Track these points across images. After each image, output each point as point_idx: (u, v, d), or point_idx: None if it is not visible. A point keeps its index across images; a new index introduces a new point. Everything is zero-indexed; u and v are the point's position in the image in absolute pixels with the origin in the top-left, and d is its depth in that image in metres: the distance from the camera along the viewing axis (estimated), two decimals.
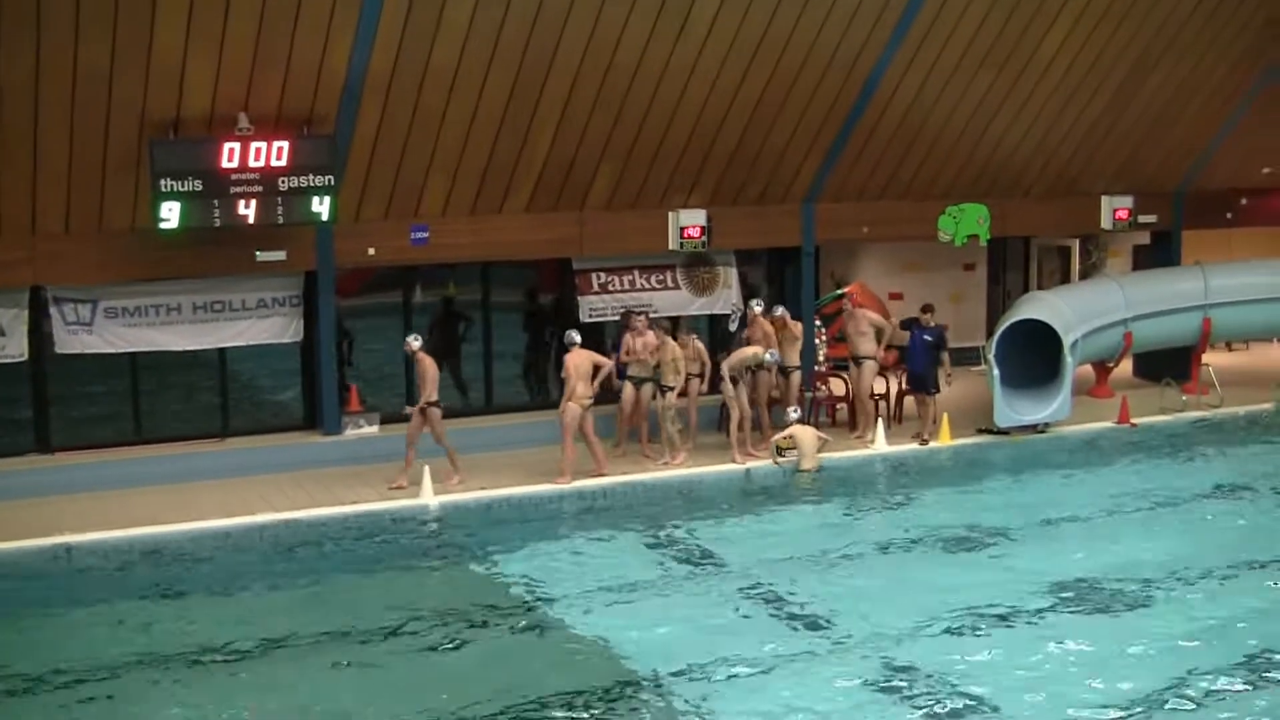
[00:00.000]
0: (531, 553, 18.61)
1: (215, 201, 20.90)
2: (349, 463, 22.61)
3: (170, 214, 20.68)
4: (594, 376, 21.80)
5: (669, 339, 22.62)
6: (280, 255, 22.60)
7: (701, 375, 23.22)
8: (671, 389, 22.44)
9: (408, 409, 21.82)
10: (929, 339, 24.07)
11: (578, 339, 22.08)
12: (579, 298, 25.24)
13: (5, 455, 22.26)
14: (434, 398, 21.28)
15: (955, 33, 24.43)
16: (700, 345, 23.25)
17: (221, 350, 23.44)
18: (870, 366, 24.26)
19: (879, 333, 24.22)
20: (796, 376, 23.87)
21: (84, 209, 21.34)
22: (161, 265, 22.12)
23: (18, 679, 14.57)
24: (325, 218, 21.61)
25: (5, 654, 15.21)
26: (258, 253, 22.40)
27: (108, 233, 21.67)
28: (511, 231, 23.99)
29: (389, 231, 23.30)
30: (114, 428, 23.08)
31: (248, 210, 21.11)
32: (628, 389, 23.09)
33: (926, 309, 24.46)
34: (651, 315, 23.89)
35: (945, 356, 24.16)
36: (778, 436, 22.70)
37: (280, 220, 21.42)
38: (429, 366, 21.28)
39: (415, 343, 21.43)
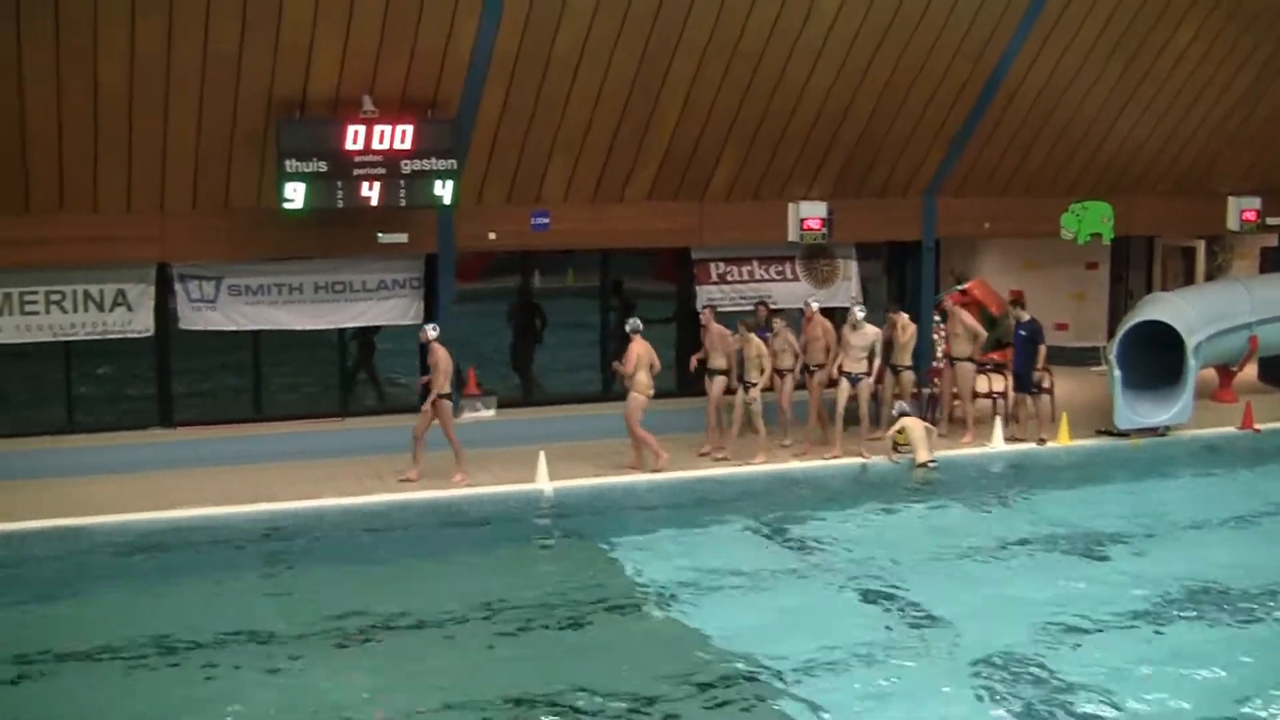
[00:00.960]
0: (644, 539, 18.65)
1: (339, 183, 21.09)
2: (465, 446, 22.13)
3: (295, 195, 20.91)
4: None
5: (752, 335, 22.13)
6: (402, 238, 22.72)
7: (794, 369, 22.86)
8: (754, 384, 22.10)
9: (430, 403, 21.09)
10: (1023, 334, 23.65)
11: (640, 326, 21.82)
12: (697, 287, 25.12)
13: (129, 429, 22.61)
14: (446, 390, 20.86)
15: (1086, 21, 24.11)
16: (791, 337, 22.81)
17: (341, 331, 23.64)
18: (965, 368, 23.83)
19: (976, 335, 23.82)
20: (907, 376, 23.51)
21: (210, 188, 21.60)
22: (284, 245, 22.33)
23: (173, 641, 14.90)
24: (447, 201, 21.72)
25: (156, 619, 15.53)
26: (380, 235, 22.57)
27: (233, 211, 21.93)
28: (632, 219, 23.95)
29: (510, 216, 23.37)
30: (235, 404, 23.34)
31: (371, 192, 21.27)
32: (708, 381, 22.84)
33: (1016, 299, 24.03)
34: (770, 305, 23.92)
35: (1041, 351, 23.67)
36: (891, 431, 22.51)
37: (403, 203, 21.57)
38: (443, 357, 20.84)
39: (433, 332, 21.04)
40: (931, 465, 22.05)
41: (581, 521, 19.62)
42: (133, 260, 21.94)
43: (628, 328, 21.78)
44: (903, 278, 26.60)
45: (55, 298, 21.83)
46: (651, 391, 21.56)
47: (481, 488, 20.71)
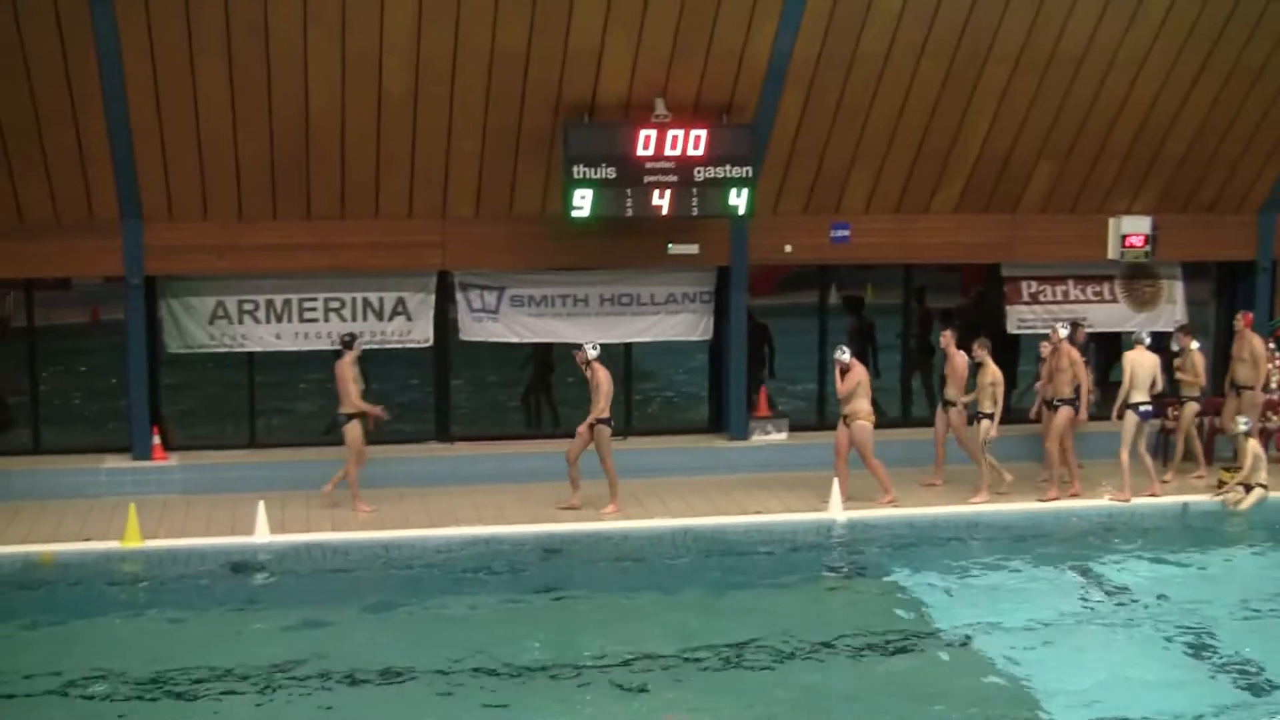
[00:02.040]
0: (942, 576, 18.53)
1: (628, 190, 21.25)
2: (755, 470, 22.67)
3: (583, 202, 21.13)
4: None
5: (989, 359, 21.51)
6: (693, 249, 22.82)
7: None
8: (989, 416, 21.39)
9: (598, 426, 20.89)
10: None
11: (848, 354, 21.26)
12: (1007, 307, 24.69)
13: (406, 442, 22.99)
14: (606, 414, 20.59)
15: None
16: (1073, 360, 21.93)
17: (627, 346, 23.75)
18: (1247, 396, 22.92)
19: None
20: (1190, 407, 22.80)
21: (494, 193, 21.96)
22: (570, 254, 22.56)
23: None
24: (742, 211, 21.72)
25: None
26: (670, 245, 22.69)
27: (517, 218, 22.27)
28: (938, 232, 23.67)
29: (807, 228, 23.24)
30: (510, 419, 23.70)
31: (661, 201, 21.37)
32: (939, 411, 22.31)
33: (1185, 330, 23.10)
34: (1086, 326, 23.38)
35: None
36: (1242, 474, 21.74)
37: (695, 212, 21.64)
38: (604, 380, 20.56)
39: (593, 352, 20.65)
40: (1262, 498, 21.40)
41: (873, 553, 19.60)
42: (414, 267, 22.39)
43: (836, 355, 21.22)
44: (1233, 301, 25.63)
45: (334, 305, 22.45)
46: (873, 419, 21.20)
47: (771, 515, 20.73)
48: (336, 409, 20.73)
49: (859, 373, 21.07)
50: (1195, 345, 22.83)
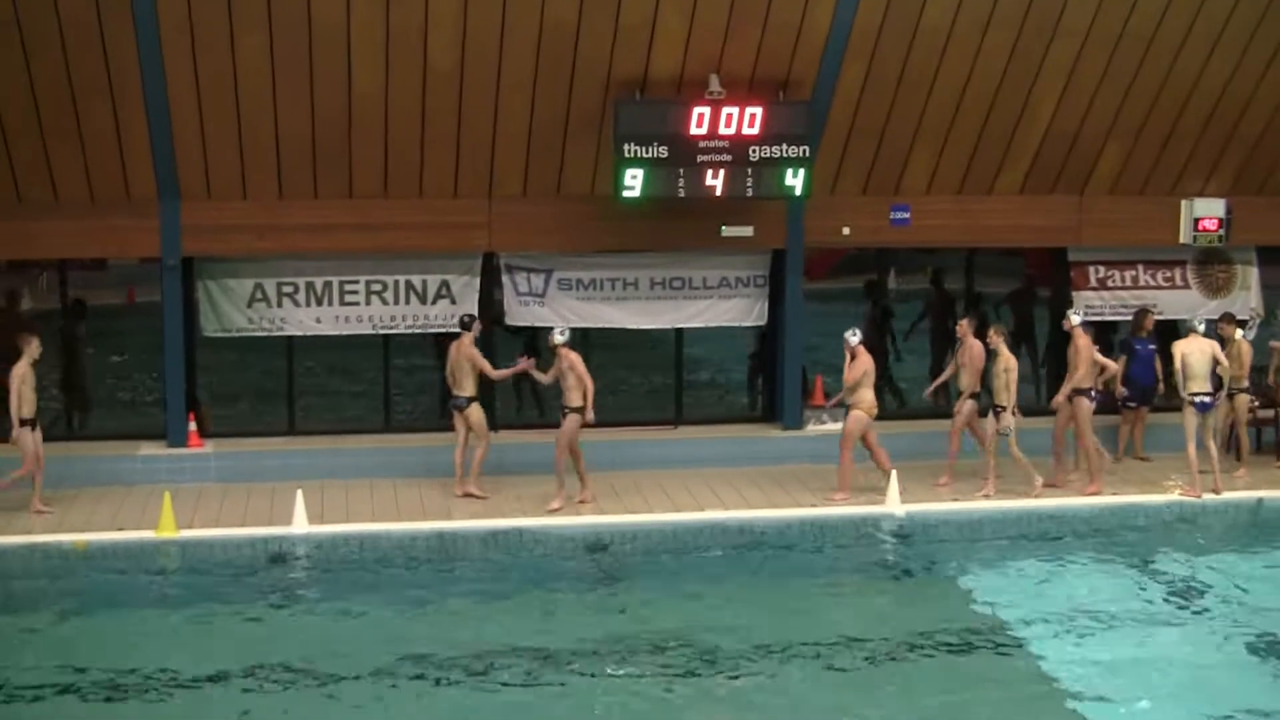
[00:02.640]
0: (1004, 572, 18.55)
1: (680, 170, 21.23)
2: (808, 460, 22.71)
3: (634, 182, 21.12)
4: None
5: (1004, 347, 21.15)
6: (747, 231, 22.82)
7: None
8: (1004, 409, 21.01)
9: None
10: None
11: (858, 337, 21.12)
12: (1074, 293, 24.47)
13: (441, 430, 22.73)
14: (577, 403, 20.35)
15: None
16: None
17: (679, 331, 23.78)
18: None
19: None
20: (1241, 400, 22.71)
21: (542, 172, 22.02)
22: (619, 236, 22.61)
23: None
24: (799, 192, 21.70)
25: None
26: (723, 228, 22.68)
27: (565, 198, 22.33)
28: (1002, 215, 23.62)
29: (866, 209, 23.22)
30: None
31: (715, 181, 21.35)
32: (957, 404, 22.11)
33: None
34: (1155, 313, 23.31)
35: None
36: None
37: (749, 193, 21.61)
38: (576, 364, 20.36)
39: (560, 337, 20.51)
40: None
41: (933, 548, 19.67)
42: (459, 249, 22.48)
43: (846, 339, 21.11)
44: None
45: (376, 288, 22.52)
46: (875, 411, 21.19)
47: (825, 508, 20.77)
48: (454, 393, 21.01)
49: (865, 361, 20.97)
50: (1240, 334, 22.72)
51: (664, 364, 24.23)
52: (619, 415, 23.23)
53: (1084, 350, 21.53)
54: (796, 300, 23.34)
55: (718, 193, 21.46)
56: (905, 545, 19.90)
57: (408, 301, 22.60)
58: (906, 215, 23.36)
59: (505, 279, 22.92)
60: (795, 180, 21.58)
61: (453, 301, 22.67)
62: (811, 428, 23.53)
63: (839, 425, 22.46)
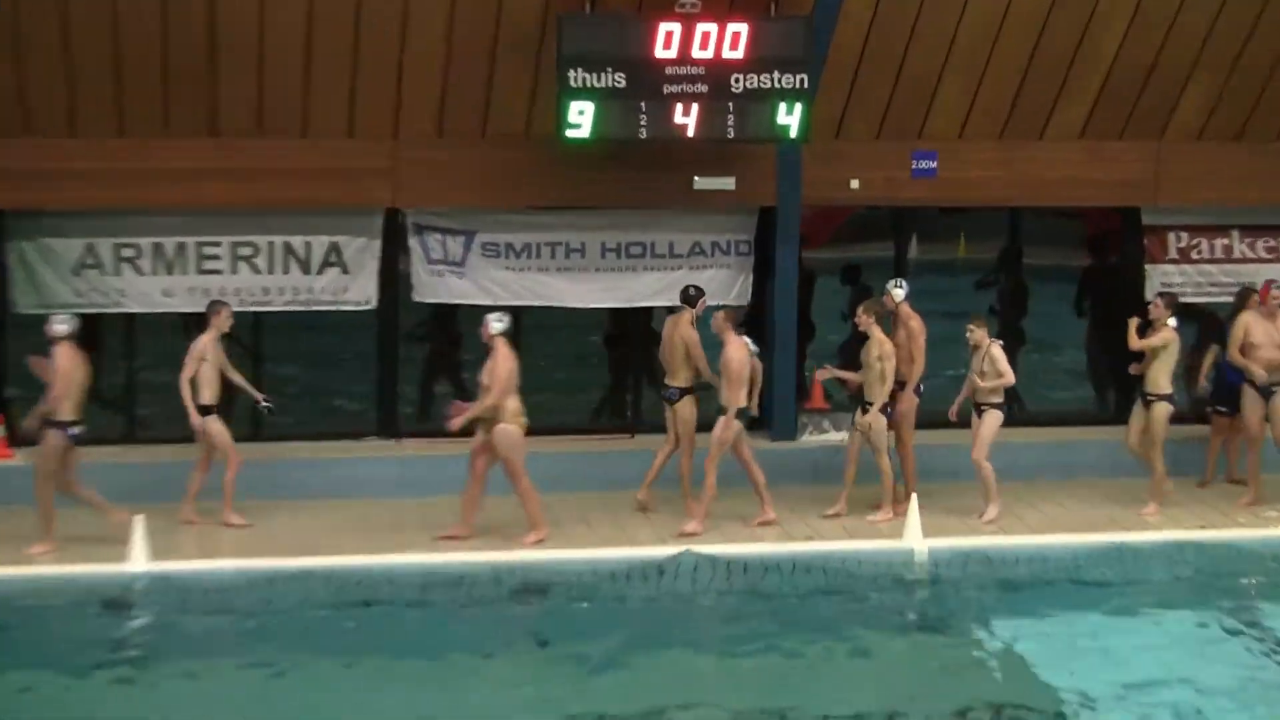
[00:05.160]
0: (1053, 628, 18.48)
1: (642, 104, 21.17)
2: (806, 479, 22.52)
3: (581, 119, 21.00)
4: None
5: (877, 329, 21.15)
6: (727, 183, 22.67)
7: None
8: (870, 405, 21.18)
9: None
10: None
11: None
12: (1147, 266, 24.56)
13: (335, 437, 22.97)
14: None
15: None
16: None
17: (638, 311, 23.84)
18: None
19: None
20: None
21: (462, 106, 21.91)
22: (561, 189, 22.44)
23: None
24: (794, 134, 21.61)
25: None
26: (696, 179, 22.56)
27: (492, 141, 22.21)
28: (1057, 165, 23.61)
29: (881, 158, 23.22)
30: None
31: (687, 119, 21.28)
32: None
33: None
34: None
35: None
36: None
37: (731, 134, 21.58)
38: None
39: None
40: None
41: (962, 595, 19.79)
42: (354, 203, 22.36)
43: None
44: None
45: (245, 252, 22.38)
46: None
47: (827, 542, 20.75)
48: (665, 382, 21.31)
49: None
50: None
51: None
52: (561, 420, 23.52)
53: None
54: (790, 273, 23.28)
55: (690, 134, 21.42)
56: (928, 590, 20.02)
57: (286, 270, 22.52)
58: (933, 165, 23.38)
59: (413, 243, 22.80)
60: (790, 118, 21.50)
61: (344, 270, 22.60)
62: (809, 438, 23.41)
63: (843, 435, 22.57)
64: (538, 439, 20.80)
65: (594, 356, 25.22)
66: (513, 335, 20.69)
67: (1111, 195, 24.22)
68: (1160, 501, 21.75)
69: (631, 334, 24.18)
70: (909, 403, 21.60)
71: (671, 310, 21.68)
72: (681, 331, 21.00)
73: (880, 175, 23.27)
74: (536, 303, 23.19)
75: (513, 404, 19.96)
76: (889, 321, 21.55)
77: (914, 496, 20.82)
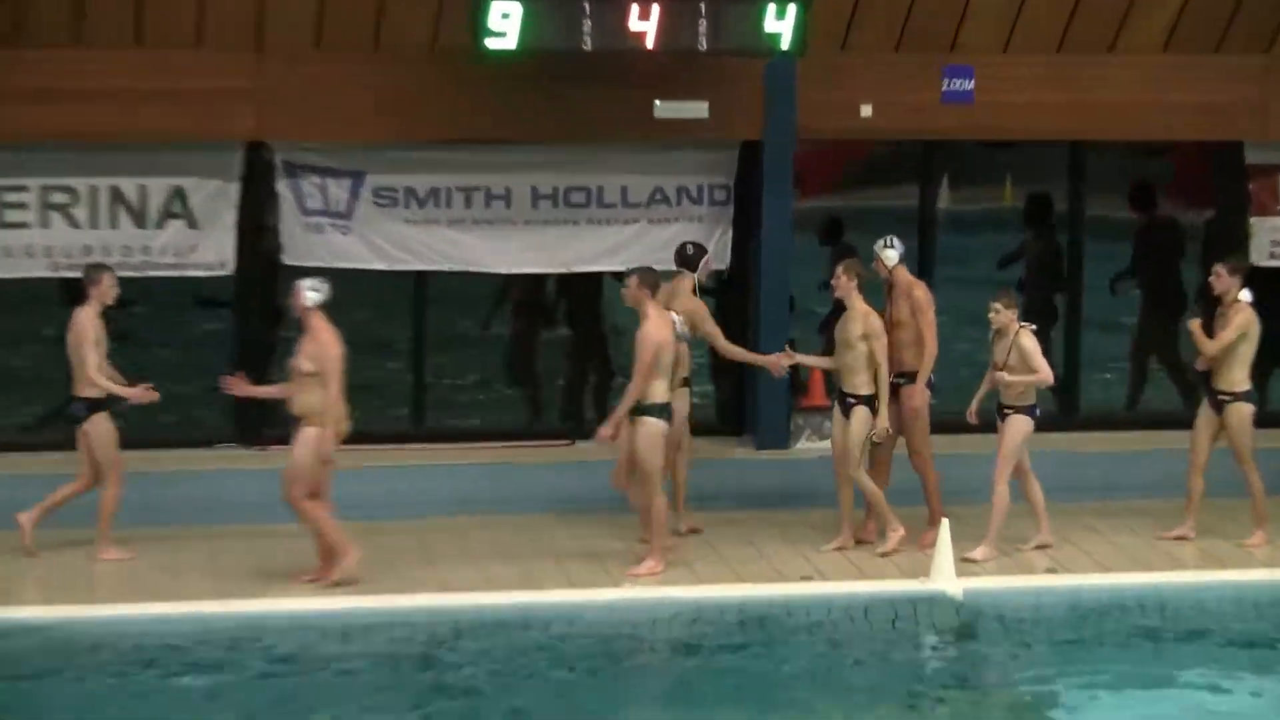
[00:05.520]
0: (1127, 695, 17.27)
1: (586, 5, 20.01)
2: (803, 501, 21.19)
3: (505, 25, 19.80)
4: None
5: (857, 297, 19.77)
6: (698, 110, 21.49)
7: None
8: (852, 401, 19.63)
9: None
10: None
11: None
12: (1252, 219, 23.22)
13: (181, 445, 21.72)
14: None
15: None
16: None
17: (587, 278, 22.85)
18: None
19: None
20: None
21: (349, 8, 20.80)
22: (481, 118, 21.20)
23: None
24: (786, 45, 20.35)
25: None
26: (658, 103, 21.41)
27: (387, 54, 21.13)
28: (1132, 88, 22.27)
29: (901, 77, 21.97)
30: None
31: (645, 24, 20.10)
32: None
33: None
34: None
35: None
36: None
37: (703, 46, 20.35)
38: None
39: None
40: None
41: (1005, 650, 18.61)
42: (205, 135, 21.02)
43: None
44: None
45: (59, 199, 21.10)
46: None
47: (832, 583, 19.35)
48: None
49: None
50: None
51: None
52: (485, 424, 23.06)
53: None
54: (781, 230, 22.11)
55: (649, 45, 20.21)
56: (964, 645, 18.80)
57: (114, 224, 21.10)
58: (969, 85, 22.10)
59: (284, 188, 21.38)
60: (781, 24, 20.25)
61: (191, 224, 21.12)
62: (805, 445, 22.29)
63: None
64: (446, 448, 21.09)
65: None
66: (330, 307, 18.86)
67: (1205, 127, 22.78)
68: (1267, 528, 20.44)
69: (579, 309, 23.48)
70: (920, 399, 20.18)
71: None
72: (687, 308, 19.80)
73: (900, 100, 21.99)
74: (446, 266, 21.97)
75: (324, 398, 18.41)
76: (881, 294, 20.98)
77: (944, 522, 19.22)
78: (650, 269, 19.78)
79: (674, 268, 20.53)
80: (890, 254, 20.12)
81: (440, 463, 21.78)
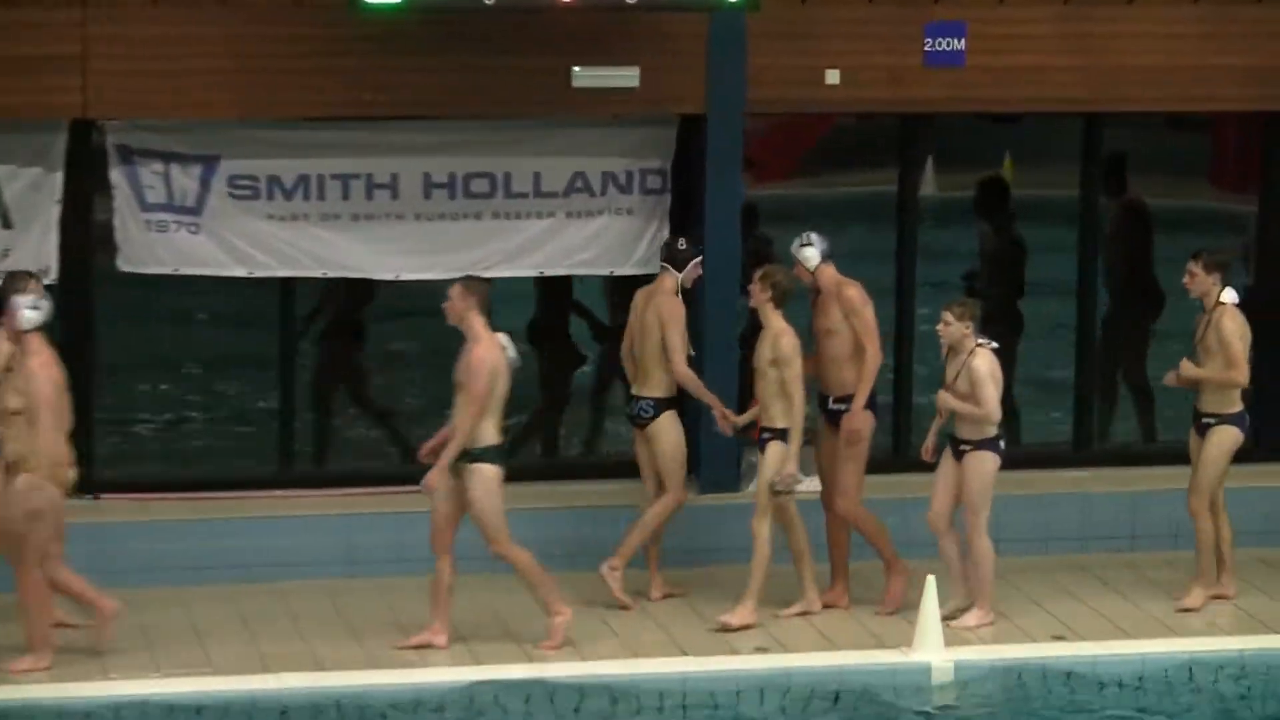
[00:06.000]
0: None
1: None
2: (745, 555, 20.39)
3: None
4: None
5: (773, 312, 19.53)
6: (627, 78, 20.74)
7: None
8: (772, 436, 19.26)
9: None
10: None
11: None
12: None
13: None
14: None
15: None
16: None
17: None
18: None
19: None
20: None
21: None
22: (360, 89, 20.50)
23: None
24: None
25: None
26: (576, 70, 20.69)
27: (245, 12, 20.26)
28: (1154, 46, 21.39)
29: (876, 35, 21.28)
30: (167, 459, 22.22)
31: None
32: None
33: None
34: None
35: None
36: None
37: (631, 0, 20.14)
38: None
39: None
40: None
41: None
42: (17, 114, 20.00)
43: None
44: None
45: None
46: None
47: (811, 656, 18.81)
48: (633, 391, 20.18)
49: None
50: None
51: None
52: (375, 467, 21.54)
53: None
54: (727, 223, 21.21)
55: None
56: None
57: None
58: (959, 46, 21.21)
59: (119, 175, 20.23)
60: None
61: (5, 223, 20.05)
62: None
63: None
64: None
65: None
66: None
67: (1245, 95, 21.80)
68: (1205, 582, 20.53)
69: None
70: (859, 421, 19.54)
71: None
72: (659, 308, 19.39)
73: (875, 63, 21.13)
74: (317, 272, 20.82)
75: (31, 440, 17.77)
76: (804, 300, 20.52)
77: (930, 580, 18.44)
78: (476, 277, 19.41)
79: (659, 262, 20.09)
80: (809, 253, 19.66)
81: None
